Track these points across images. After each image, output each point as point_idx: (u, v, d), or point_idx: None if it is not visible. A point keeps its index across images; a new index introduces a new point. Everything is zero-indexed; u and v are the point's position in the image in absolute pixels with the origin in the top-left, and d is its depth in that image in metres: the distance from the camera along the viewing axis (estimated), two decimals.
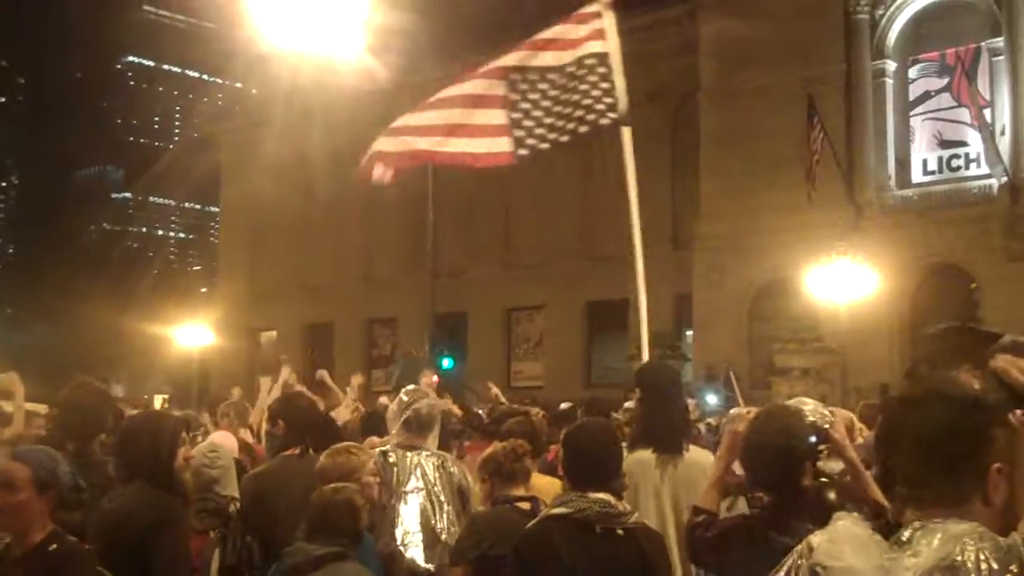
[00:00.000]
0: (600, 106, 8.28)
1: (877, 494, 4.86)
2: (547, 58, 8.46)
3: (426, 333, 34.50)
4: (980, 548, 2.31)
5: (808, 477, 4.67)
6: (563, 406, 13.54)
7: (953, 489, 2.48)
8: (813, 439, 5.37)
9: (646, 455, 6.25)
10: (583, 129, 8.40)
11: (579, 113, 8.31)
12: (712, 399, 24.65)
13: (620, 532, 4.83)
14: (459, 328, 45.14)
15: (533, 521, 5.11)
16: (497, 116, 8.42)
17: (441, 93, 8.86)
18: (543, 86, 8.41)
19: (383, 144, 8.91)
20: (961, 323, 4.05)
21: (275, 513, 6.58)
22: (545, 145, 8.46)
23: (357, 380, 12.82)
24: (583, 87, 8.29)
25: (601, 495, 4.88)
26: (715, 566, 4.83)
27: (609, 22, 8.35)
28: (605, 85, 8.24)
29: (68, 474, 4.65)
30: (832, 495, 4.59)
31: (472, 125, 8.54)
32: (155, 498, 5.34)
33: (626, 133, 8.43)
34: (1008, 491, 2.48)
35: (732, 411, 5.18)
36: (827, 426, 5.30)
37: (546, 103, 8.39)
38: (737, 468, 5.09)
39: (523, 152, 8.45)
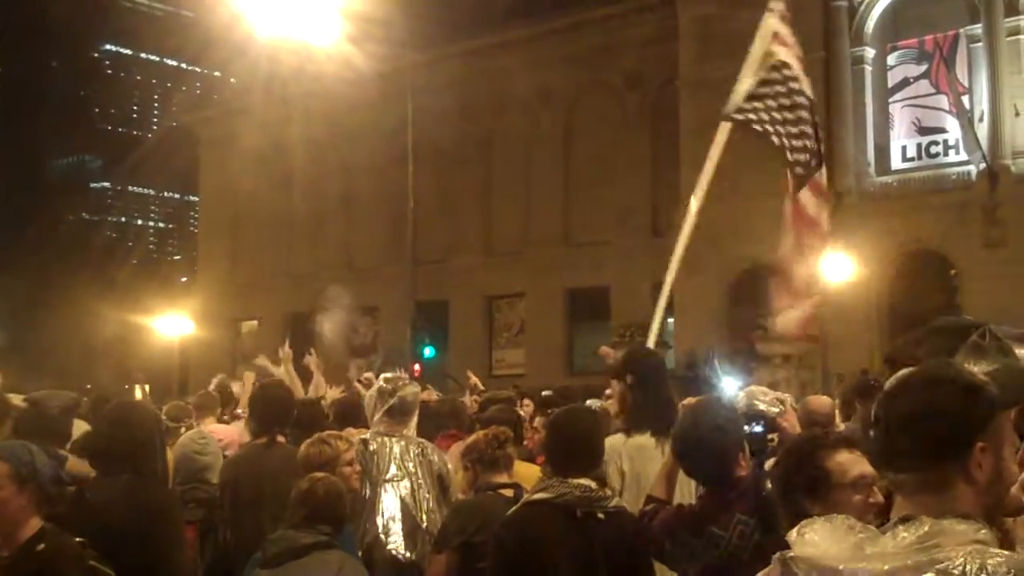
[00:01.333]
0: (805, 157, 8.34)
1: None
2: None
3: (408, 321, 34.49)
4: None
5: (743, 468, 4.69)
6: (544, 394, 13.61)
7: (938, 473, 2.44)
8: (760, 429, 5.39)
9: (644, 439, 6.24)
10: (797, 160, 8.39)
11: (794, 142, 8.27)
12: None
13: (601, 516, 4.85)
14: (440, 316, 45.11)
15: (514, 507, 5.12)
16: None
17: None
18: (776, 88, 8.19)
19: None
20: (938, 325, 4.04)
21: (242, 500, 6.65)
22: (757, 127, 8.28)
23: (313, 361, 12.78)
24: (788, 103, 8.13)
25: (582, 480, 4.90)
26: (657, 555, 4.87)
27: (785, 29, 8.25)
28: (807, 131, 8.24)
29: (48, 465, 4.55)
30: (769, 486, 4.61)
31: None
32: (149, 490, 5.31)
33: (822, 175, 8.66)
34: (993, 469, 2.45)
35: (684, 401, 5.22)
36: (775, 414, 5.33)
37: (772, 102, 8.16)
38: None
39: (739, 117, 8.18)
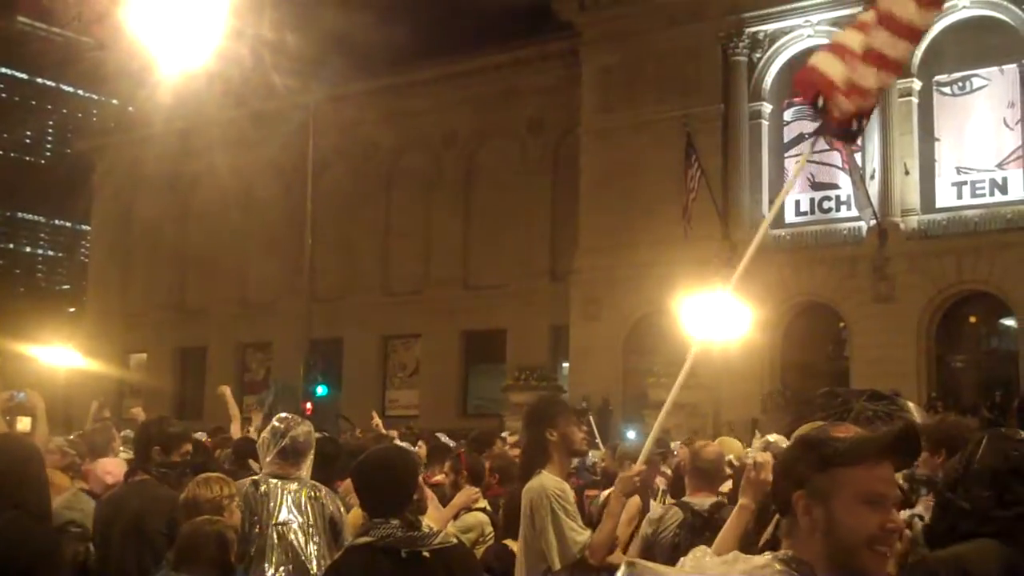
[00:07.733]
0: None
1: None
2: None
3: (301, 358, 34.08)
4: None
5: None
6: (442, 438, 13.52)
7: (787, 521, 2.76)
8: None
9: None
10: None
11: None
12: (631, 435, 24.68)
13: (426, 554, 4.83)
14: (335, 354, 44.70)
15: (338, 553, 5.11)
16: None
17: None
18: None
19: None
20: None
21: (110, 539, 6.73)
22: None
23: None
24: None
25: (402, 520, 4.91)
26: None
27: None
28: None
29: None
30: None
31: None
32: (32, 529, 5.07)
33: None
34: (824, 521, 2.68)
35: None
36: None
37: None
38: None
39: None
